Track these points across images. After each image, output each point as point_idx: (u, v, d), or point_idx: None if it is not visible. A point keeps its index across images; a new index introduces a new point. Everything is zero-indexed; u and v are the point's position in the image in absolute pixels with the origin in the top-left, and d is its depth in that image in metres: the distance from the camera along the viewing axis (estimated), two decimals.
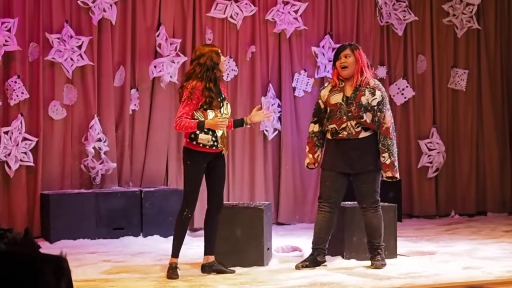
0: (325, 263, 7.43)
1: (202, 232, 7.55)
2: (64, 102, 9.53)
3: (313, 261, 7.37)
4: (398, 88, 11.17)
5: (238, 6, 10.33)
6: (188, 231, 8.20)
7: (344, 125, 7.27)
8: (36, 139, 9.35)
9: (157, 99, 9.99)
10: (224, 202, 7.24)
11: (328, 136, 7.39)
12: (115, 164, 9.69)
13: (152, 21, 9.98)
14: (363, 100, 7.27)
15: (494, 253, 8.12)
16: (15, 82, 9.24)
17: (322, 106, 7.42)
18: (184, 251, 7.12)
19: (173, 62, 9.95)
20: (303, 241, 8.49)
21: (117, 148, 9.81)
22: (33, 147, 9.33)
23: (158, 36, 9.92)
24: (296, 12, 10.57)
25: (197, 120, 6.89)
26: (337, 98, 7.32)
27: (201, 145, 6.95)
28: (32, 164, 9.31)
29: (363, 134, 7.30)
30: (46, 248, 8.27)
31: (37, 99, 9.37)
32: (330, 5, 10.82)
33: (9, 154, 9.22)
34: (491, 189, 11.54)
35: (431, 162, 11.27)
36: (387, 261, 7.45)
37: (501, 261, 7.64)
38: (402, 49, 11.24)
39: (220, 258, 7.19)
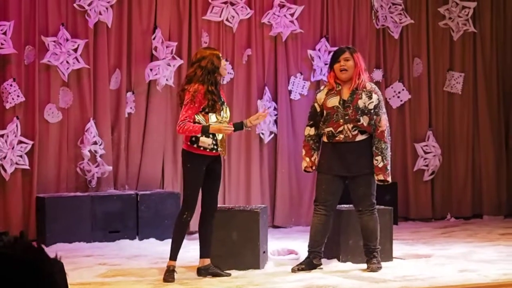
0: (321, 266, 7.42)
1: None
2: (60, 105, 9.51)
3: (309, 264, 7.37)
4: (394, 91, 11.16)
5: (234, 9, 10.33)
6: None
7: (341, 128, 7.27)
8: (31, 142, 9.33)
9: (153, 102, 9.97)
10: (220, 205, 7.23)
11: (324, 139, 7.38)
12: (111, 167, 9.68)
13: (148, 24, 9.97)
14: (360, 103, 7.26)
15: (490, 256, 8.12)
16: (11, 85, 9.22)
17: (318, 109, 7.42)
18: (180, 254, 7.12)
19: (169, 65, 9.93)
20: (299, 244, 8.47)
21: (113, 151, 9.79)
22: (28, 150, 9.31)
23: (154, 39, 9.91)
24: (292, 15, 10.56)
25: (202, 125, 6.88)
26: (334, 101, 7.32)
27: (201, 148, 6.95)
28: (27, 167, 9.29)
29: (360, 137, 7.29)
30: None
31: (32, 102, 9.36)
32: (326, 8, 10.81)
33: (4, 157, 9.20)
34: (487, 192, 11.53)
35: (427, 165, 11.26)
36: (383, 264, 7.44)
37: (497, 264, 7.64)
38: (398, 52, 11.23)
39: (216, 261, 7.19)
